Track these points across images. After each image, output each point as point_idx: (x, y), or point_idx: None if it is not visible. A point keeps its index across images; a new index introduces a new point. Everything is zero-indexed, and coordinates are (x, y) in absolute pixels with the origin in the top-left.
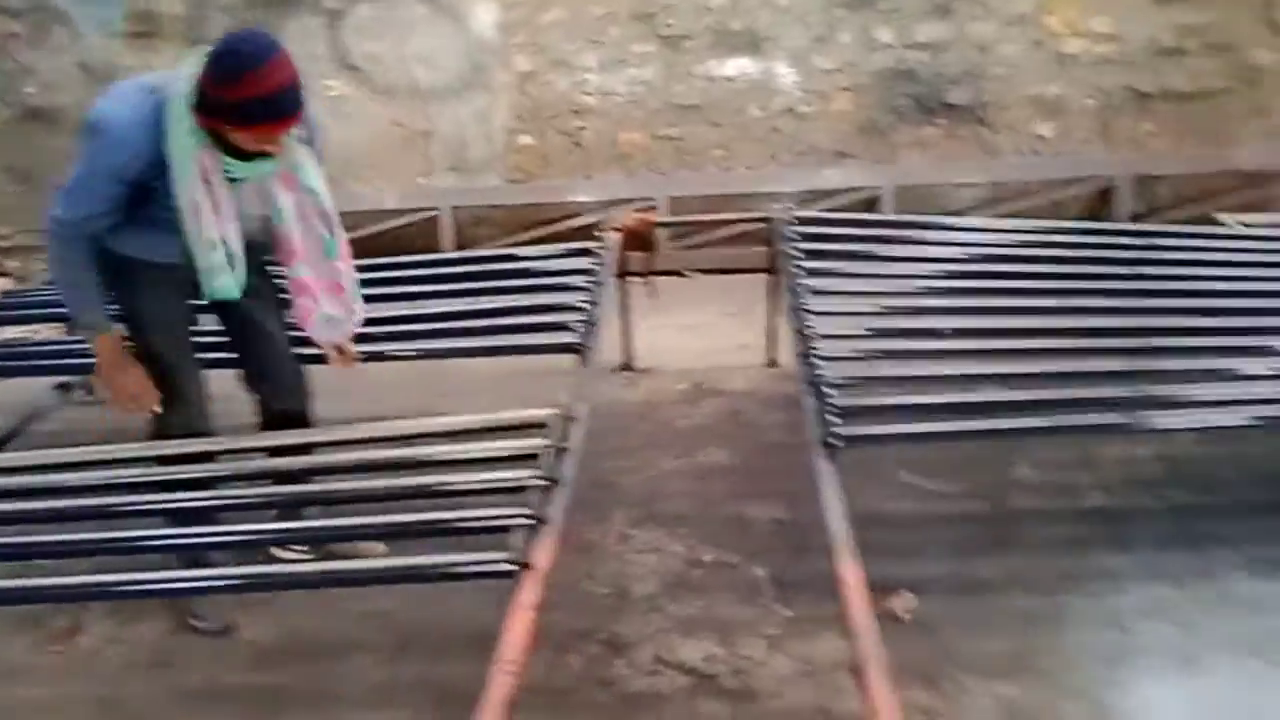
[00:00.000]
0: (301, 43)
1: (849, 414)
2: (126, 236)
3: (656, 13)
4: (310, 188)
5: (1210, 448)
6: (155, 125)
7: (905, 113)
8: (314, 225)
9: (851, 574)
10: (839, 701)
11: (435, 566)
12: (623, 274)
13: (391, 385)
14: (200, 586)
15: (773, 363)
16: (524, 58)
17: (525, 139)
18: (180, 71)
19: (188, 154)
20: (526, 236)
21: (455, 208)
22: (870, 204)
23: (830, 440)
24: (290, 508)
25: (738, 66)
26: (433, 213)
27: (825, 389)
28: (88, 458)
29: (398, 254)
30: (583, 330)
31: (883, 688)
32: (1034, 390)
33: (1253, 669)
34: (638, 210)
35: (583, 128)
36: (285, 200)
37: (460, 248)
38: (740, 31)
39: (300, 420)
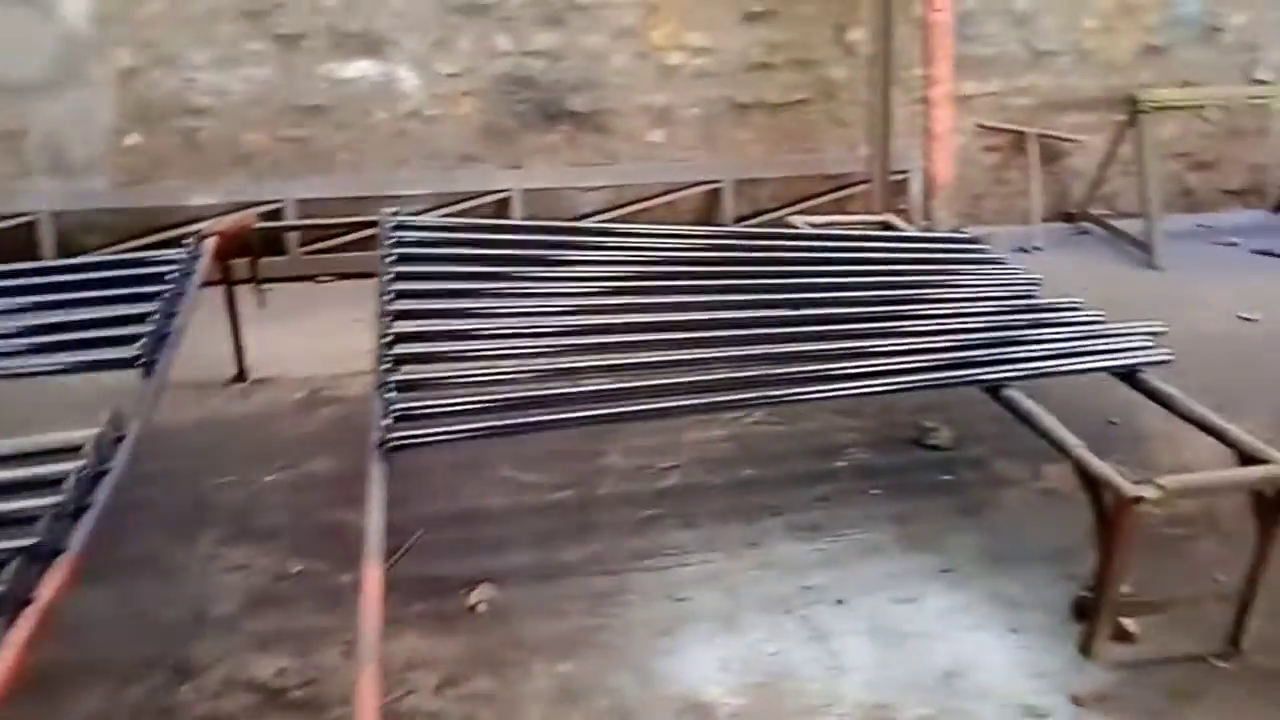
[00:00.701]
0: None
1: (409, 417)
2: None
3: (269, 10)
4: None
5: (774, 427)
6: None
7: (528, 118)
8: None
9: (373, 579)
10: (407, 701)
11: None
12: (227, 282)
13: None
14: None
15: None
16: (125, 53)
17: (133, 139)
18: None
19: None
20: (142, 243)
21: (56, 213)
22: (502, 207)
23: (382, 443)
24: None
25: (359, 69)
26: (29, 218)
27: (388, 394)
28: None
29: None
30: (147, 343)
31: (369, 692)
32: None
33: (781, 624)
34: (239, 214)
35: (198, 128)
36: None
37: (65, 256)
38: (358, 33)
39: None
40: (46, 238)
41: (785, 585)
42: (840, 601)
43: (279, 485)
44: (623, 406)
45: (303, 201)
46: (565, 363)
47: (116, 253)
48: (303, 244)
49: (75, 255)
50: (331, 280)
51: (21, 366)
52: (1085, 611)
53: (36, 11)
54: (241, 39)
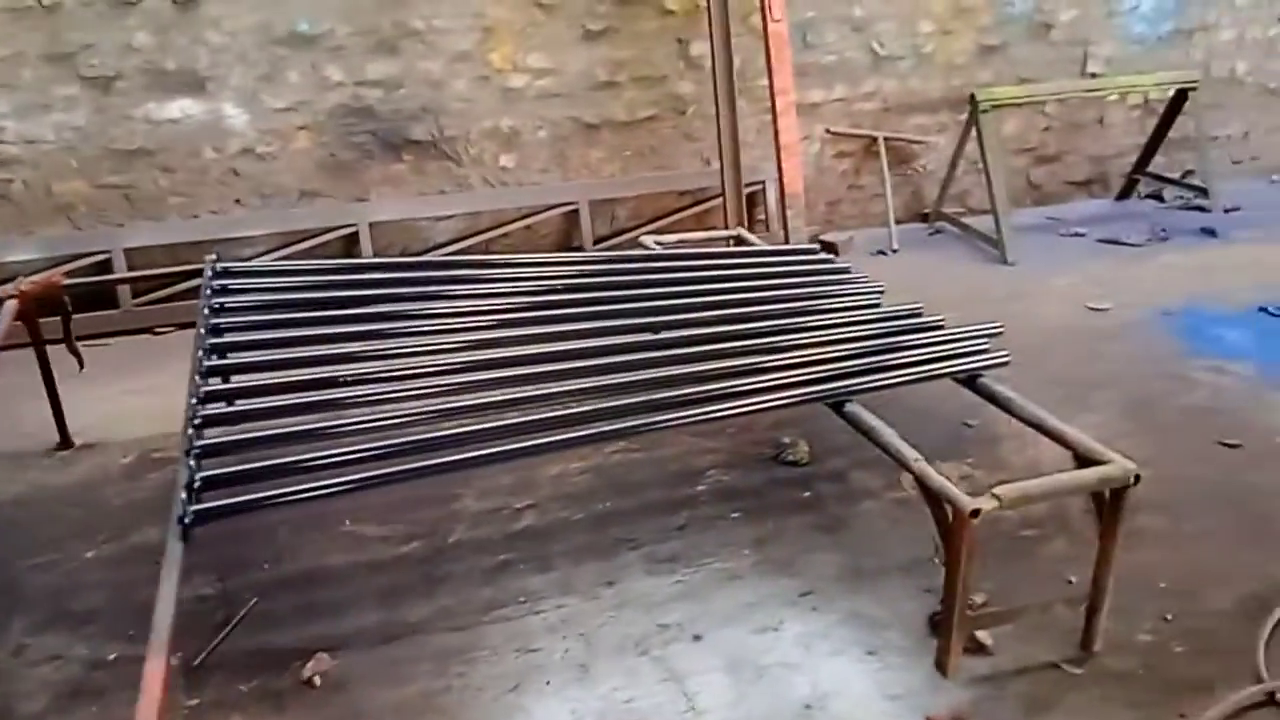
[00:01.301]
0: None
1: (217, 483)
2: None
3: (75, 53)
4: None
5: (633, 454)
6: None
7: (370, 150)
8: None
9: (155, 677)
10: None
11: None
12: (36, 344)
13: None
14: None
15: None
16: None
17: None
18: None
19: None
20: None
21: None
22: (350, 242)
23: (180, 519)
24: None
25: (181, 108)
26: None
27: (190, 461)
28: None
29: None
30: None
31: None
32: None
33: (635, 667)
34: (68, 270)
35: (10, 180)
36: None
37: None
38: (176, 71)
39: None
40: None
41: (641, 625)
42: (698, 637)
43: (100, 561)
44: (450, 455)
45: (133, 250)
46: (400, 412)
47: None
48: (136, 294)
49: None
50: (171, 330)
51: None
52: (941, 626)
53: None
54: (48, 84)
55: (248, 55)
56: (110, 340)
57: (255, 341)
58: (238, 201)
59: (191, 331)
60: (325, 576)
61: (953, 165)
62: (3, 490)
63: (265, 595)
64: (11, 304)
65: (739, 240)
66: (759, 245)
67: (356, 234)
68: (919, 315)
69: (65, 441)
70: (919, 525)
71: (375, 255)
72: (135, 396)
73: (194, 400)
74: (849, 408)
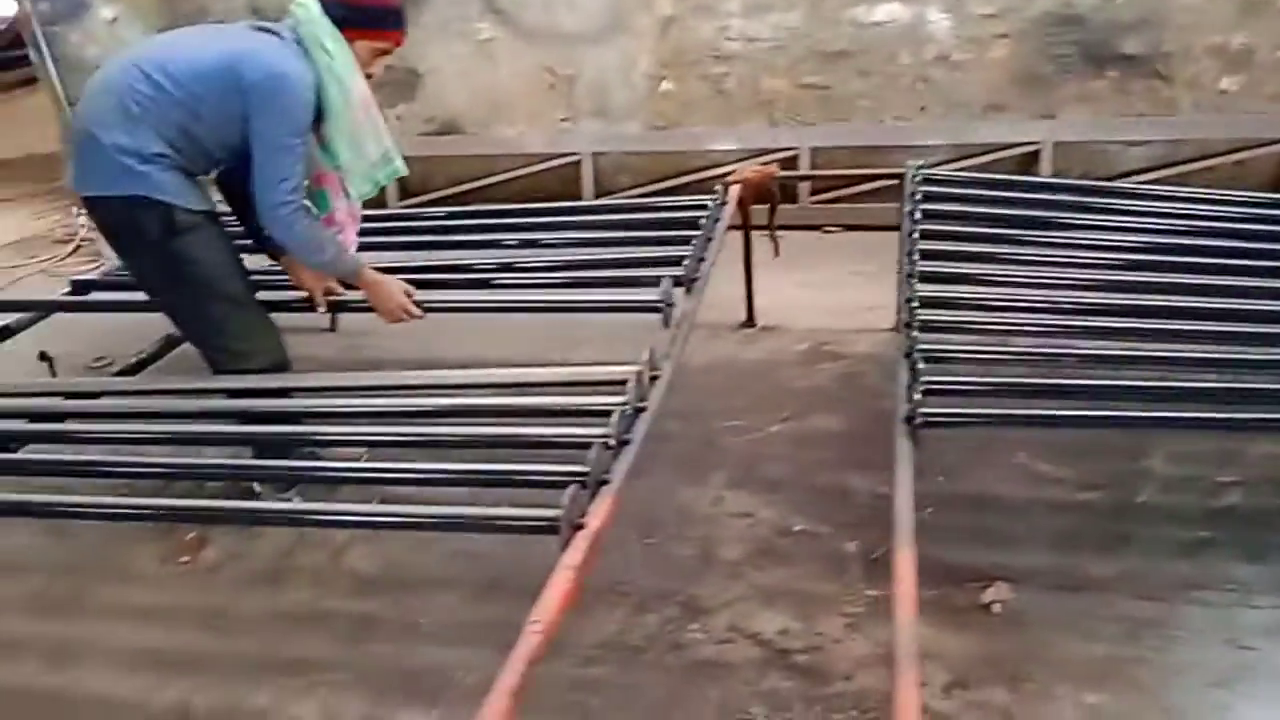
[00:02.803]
0: None
1: (938, 391)
2: (196, 191)
3: None
4: None
5: None
6: (306, 60)
7: (1069, 63)
8: None
9: (907, 565)
10: None
11: (483, 518)
12: (746, 228)
13: (519, 334)
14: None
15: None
16: (667, 1)
17: (667, 85)
18: (299, 14)
19: (348, 56)
20: (666, 185)
21: (596, 154)
22: (1028, 161)
23: (912, 418)
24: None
25: (888, 11)
26: (574, 158)
27: (917, 364)
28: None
29: (538, 199)
30: (680, 285)
31: (910, 693)
32: (1168, 377)
33: None
34: (761, 162)
35: (726, 74)
36: None
37: (601, 194)
38: None
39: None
40: (587, 176)
41: None
42: None
43: (782, 436)
44: (1179, 412)
45: (816, 150)
46: (1106, 349)
47: (643, 194)
48: (813, 193)
49: (608, 194)
50: (837, 231)
51: (560, 301)
52: None
53: None
54: None
55: None
56: (783, 233)
57: (959, 253)
58: (921, 110)
59: (855, 235)
60: (997, 504)
61: None
62: (698, 356)
63: (938, 507)
64: (736, 189)
65: None
66: None
67: (1035, 154)
68: None
69: (750, 320)
70: None
71: (1054, 177)
72: (807, 289)
73: (909, 304)
74: None
